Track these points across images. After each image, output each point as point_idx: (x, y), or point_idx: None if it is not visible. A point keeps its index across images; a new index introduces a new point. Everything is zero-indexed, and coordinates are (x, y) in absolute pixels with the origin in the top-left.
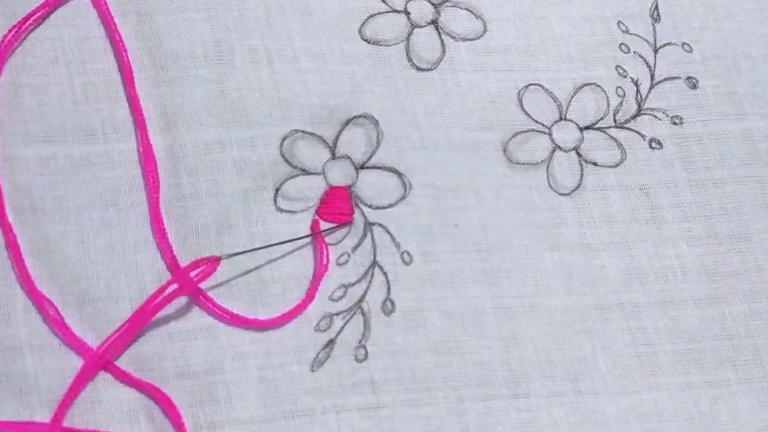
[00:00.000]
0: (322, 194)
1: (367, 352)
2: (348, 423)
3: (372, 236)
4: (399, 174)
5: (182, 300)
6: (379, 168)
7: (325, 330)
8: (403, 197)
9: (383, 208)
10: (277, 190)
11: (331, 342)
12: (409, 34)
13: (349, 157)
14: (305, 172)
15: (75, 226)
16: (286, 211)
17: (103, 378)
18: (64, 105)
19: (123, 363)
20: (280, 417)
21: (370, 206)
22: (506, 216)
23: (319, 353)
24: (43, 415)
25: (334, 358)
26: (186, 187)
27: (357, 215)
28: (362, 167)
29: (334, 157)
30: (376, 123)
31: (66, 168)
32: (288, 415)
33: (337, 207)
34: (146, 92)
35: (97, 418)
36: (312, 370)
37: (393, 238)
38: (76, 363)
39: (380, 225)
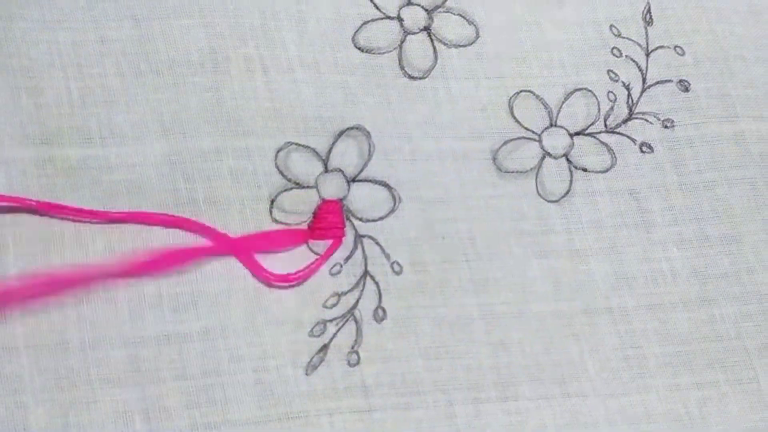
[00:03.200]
0: (315, 208)
1: (359, 357)
2: (341, 425)
3: (362, 248)
4: (389, 188)
5: (179, 300)
6: (370, 181)
7: (318, 335)
8: (392, 210)
9: (373, 221)
10: (272, 201)
11: (324, 347)
12: (402, 42)
13: (341, 170)
14: (299, 185)
15: (72, 229)
16: (282, 223)
17: (100, 377)
18: (61, 108)
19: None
20: (275, 419)
21: (360, 219)
22: (494, 225)
23: (313, 357)
24: (38, 415)
25: (328, 363)
26: (184, 193)
27: (348, 228)
28: (354, 180)
29: (326, 170)
30: (368, 135)
31: (63, 171)
32: (283, 417)
33: (330, 221)
34: (144, 97)
35: (93, 418)
36: (306, 374)
37: (383, 250)
38: (73, 363)
39: (370, 237)
